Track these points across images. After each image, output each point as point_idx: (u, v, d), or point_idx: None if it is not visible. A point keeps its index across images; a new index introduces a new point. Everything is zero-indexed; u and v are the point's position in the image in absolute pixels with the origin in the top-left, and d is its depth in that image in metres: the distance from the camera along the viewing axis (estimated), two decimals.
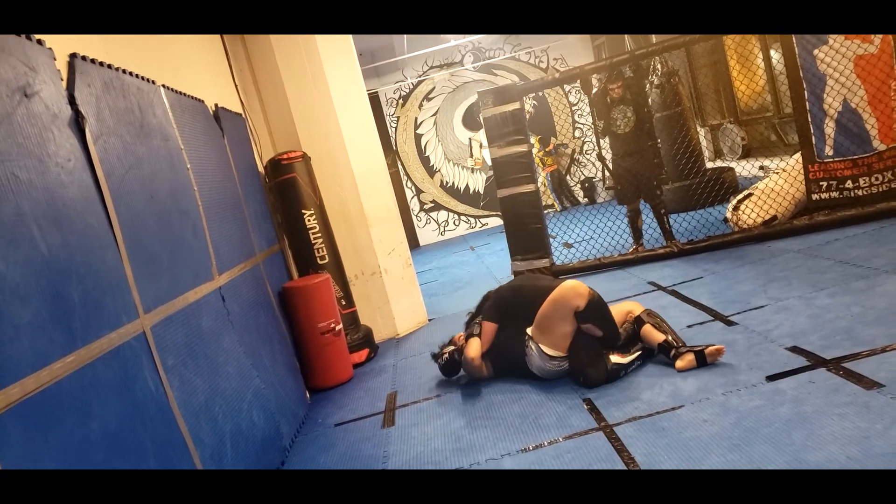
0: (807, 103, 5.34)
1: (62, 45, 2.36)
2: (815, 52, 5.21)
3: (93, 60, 2.56)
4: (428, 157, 11.71)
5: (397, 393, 4.21)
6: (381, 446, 3.41)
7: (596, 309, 3.47)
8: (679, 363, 3.33)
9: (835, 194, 5.38)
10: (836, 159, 5.31)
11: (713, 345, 3.30)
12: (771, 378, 2.94)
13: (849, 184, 5.30)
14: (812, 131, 5.38)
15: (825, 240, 4.96)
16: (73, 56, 2.41)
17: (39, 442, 1.65)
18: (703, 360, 3.28)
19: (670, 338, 3.48)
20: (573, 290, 3.47)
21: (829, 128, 5.30)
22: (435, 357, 4.12)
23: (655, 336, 3.51)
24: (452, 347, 4.04)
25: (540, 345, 3.56)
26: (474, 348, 3.80)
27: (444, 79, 11.53)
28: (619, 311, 3.68)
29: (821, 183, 5.43)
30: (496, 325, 3.81)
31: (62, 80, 2.27)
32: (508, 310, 3.81)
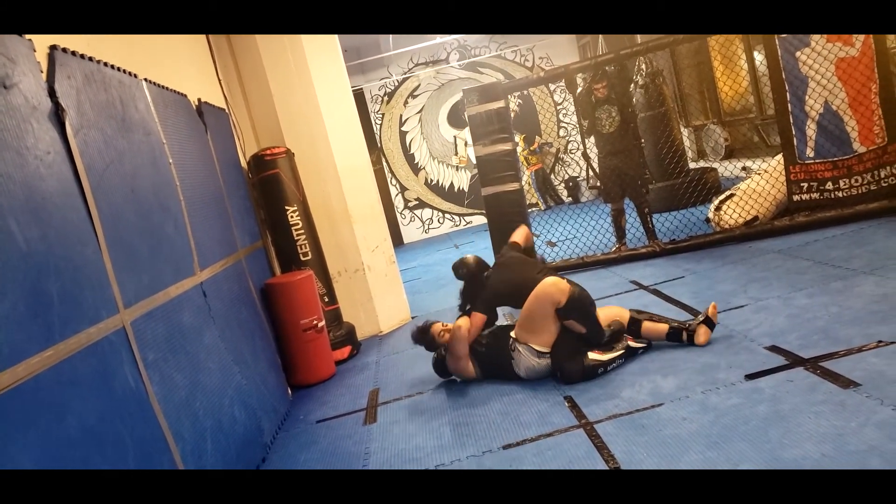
0: (789, 105, 5.41)
1: (43, 37, 2.32)
2: (798, 54, 5.28)
3: (73, 53, 2.53)
4: (413, 154, 11.69)
5: (379, 390, 4.21)
6: (363, 443, 3.41)
7: (577, 305, 3.49)
8: (699, 339, 3.46)
9: (815, 195, 5.45)
10: (817, 161, 5.38)
11: (707, 309, 3.52)
12: (749, 377, 2.98)
13: (829, 185, 5.37)
14: (794, 133, 5.44)
15: (805, 241, 5.02)
16: (53, 48, 2.38)
17: (16, 438, 1.63)
18: (712, 324, 3.49)
19: (674, 324, 3.57)
20: (554, 285, 3.49)
21: (811, 129, 5.37)
22: (417, 338, 4.10)
23: (659, 328, 3.58)
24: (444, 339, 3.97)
25: (528, 343, 3.56)
26: (465, 324, 3.76)
27: (430, 76, 11.52)
28: (605, 315, 3.67)
29: (801, 184, 5.50)
30: (485, 317, 3.81)
31: (42, 72, 2.24)
32: (499, 302, 3.90)
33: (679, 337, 3.53)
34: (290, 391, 4.53)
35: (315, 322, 4.60)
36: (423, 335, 4.05)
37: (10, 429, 1.62)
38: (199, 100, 4.14)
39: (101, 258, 2.33)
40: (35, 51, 2.21)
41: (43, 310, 1.88)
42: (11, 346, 1.69)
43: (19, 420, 1.66)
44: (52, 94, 2.25)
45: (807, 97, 5.31)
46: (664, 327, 3.57)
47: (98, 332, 2.16)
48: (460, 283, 4.06)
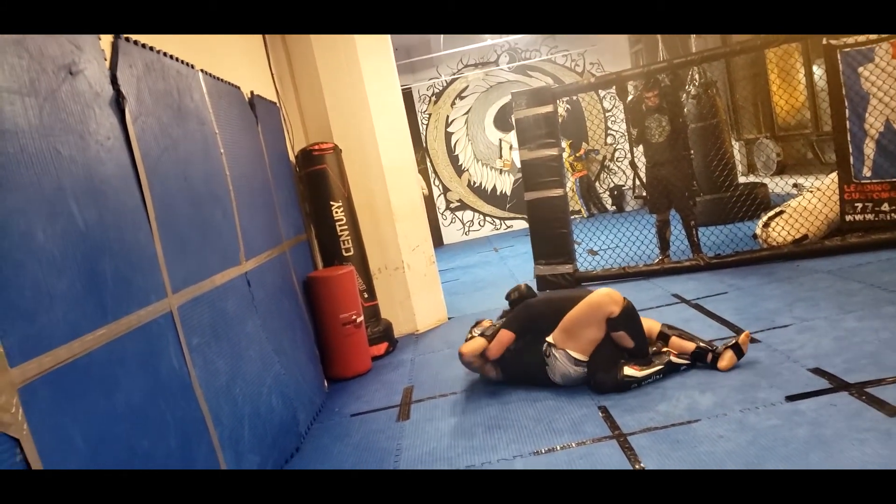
0: (847, 122, 5.25)
1: None
2: (860, 69, 5.11)
3: (135, 42, 2.61)
4: (457, 155, 11.71)
5: (414, 388, 4.24)
6: (395, 439, 3.44)
7: (629, 318, 3.46)
8: (722, 363, 3.38)
9: (870, 216, 5.27)
10: (874, 181, 5.21)
11: (739, 335, 3.42)
12: (791, 398, 2.90)
13: (885, 206, 5.19)
14: (851, 151, 5.28)
15: (857, 262, 4.87)
16: (117, 37, 2.46)
17: (67, 410, 1.70)
18: (741, 353, 3.39)
19: (702, 343, 3.50)
20: (608, 296, 3.47)
21: (869, 148, 5.20)
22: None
23: (686, 346, 3.52)
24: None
25: (566, 350, 3.52)
26: (469, 346, 3.75)
27: (478, 78, 11.52)
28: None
29: (856, 204, 5.33)
30: (513, 336, 3.69)
31: (105, 60, 2.33)
32: (535, 321, 3.70)
33: (704, 358, 3.46)
34: (326, 383, 4.59)
35: (354, 317, 4.66)
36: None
37: (64, 401, 1.69)
38: (251, 92, 4.23)
39: (152, 243, 2.40)
40: (100, 39, 2.29)
41: (97, 290, 1.95)
42: (68, 323, 1.76)
43: (72, 393, 1.73)
44: (114, 81, 2.34)
45: (867, 115, 5.14)
46: (691, 346, 3.51)
47: (147, 315, 2.23)
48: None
